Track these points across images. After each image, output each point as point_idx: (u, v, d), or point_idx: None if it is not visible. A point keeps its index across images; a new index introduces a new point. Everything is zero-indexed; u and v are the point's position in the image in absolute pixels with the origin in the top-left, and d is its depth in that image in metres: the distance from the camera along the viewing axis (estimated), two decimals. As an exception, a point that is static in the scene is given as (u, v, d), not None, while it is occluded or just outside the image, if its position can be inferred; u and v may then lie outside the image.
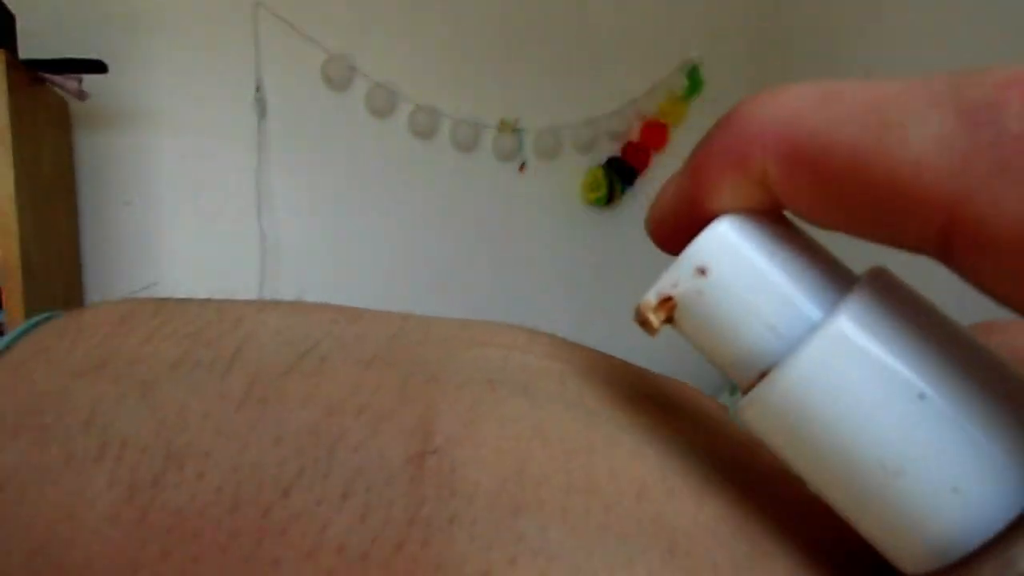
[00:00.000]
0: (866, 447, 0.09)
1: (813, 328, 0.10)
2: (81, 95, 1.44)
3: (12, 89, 1.22)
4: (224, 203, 1.68)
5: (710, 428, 0.13)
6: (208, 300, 0.12)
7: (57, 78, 1.39)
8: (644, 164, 1.98)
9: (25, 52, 1.33)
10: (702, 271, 0.10)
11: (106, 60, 1.42)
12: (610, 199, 1.94)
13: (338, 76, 1.72)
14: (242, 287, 1.66)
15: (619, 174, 1.95)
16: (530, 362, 0.12)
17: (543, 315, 1.84)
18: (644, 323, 0.11)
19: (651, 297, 0.11)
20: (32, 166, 1.30)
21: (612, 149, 1.97)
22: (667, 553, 0.09)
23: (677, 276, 0.10)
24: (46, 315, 0.12)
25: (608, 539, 0.09)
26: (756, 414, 0.10)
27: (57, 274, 1.45)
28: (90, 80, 1.45)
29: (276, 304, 0.12)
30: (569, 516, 0.10)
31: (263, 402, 0.10)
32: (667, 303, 0.11)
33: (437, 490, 0.09)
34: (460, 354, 0.12)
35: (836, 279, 0.11)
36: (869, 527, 0.10)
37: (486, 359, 0.12)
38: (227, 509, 0.09)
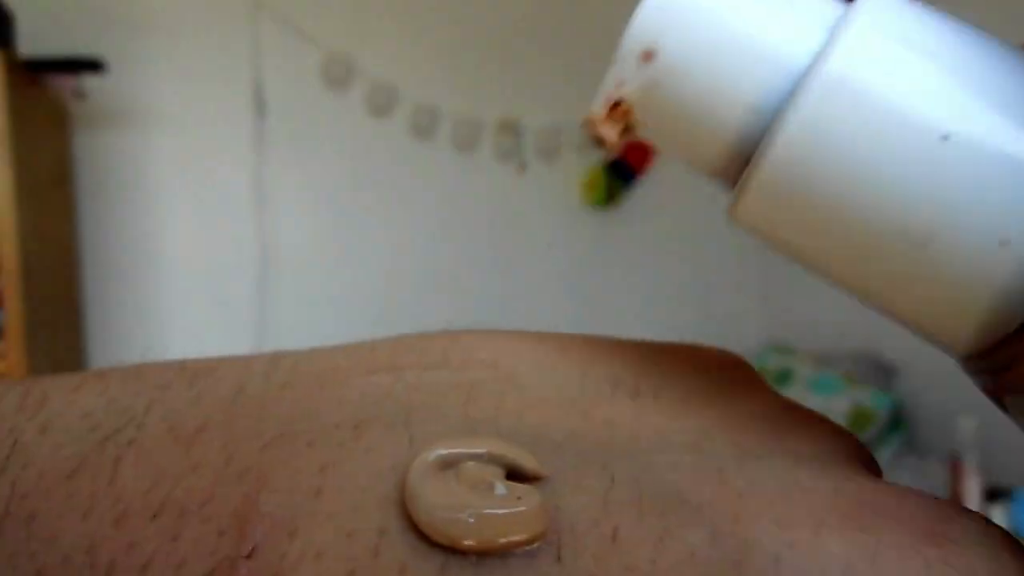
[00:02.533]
0: (888, 212, 0.07)
1: (801, 78, 0.08)
2: (80, 94, 1.44)
3: (10, 88, 1.22)
4: (223, 202, 1.68)
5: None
6: (39, 378, 0.10)
7: (56, 77, 1.39)
8: (644, 164, 1.98)
9: (24, 51, 1.33)
10: (648, 55, 0.08)
11: (105, 60, 1.42)
12: (610, 199, 1.94)
13: (337, 75, 1.72)
14: (241, 286, 1.66)
15: (619, 174, 1.95)
16: (435, 380, 0.10)
17: (542, 315, 1.83)
18: (598, 140, 0.09)
19: (597, 107, 0.09)
20: (30, 166, 1.30)
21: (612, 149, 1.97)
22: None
23: (622, 71, 0.08)
24: None
25: None
26: (752, 206, 0.08)
27: (55, 274, 1.45)
28: (89, 80, 1.45)
29: (106, 376, 0.10)
30: None
31: (31, 520, 0.08)
32: (618, 108, 0.09)
33: None
34: (333, 392, 0.10)
35: (819, 7, 0.09)
36: (904, 309, 0.08)
37: (368, 391, 0.10)
38: None
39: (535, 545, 0.08)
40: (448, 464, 0.08)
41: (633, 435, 0.10)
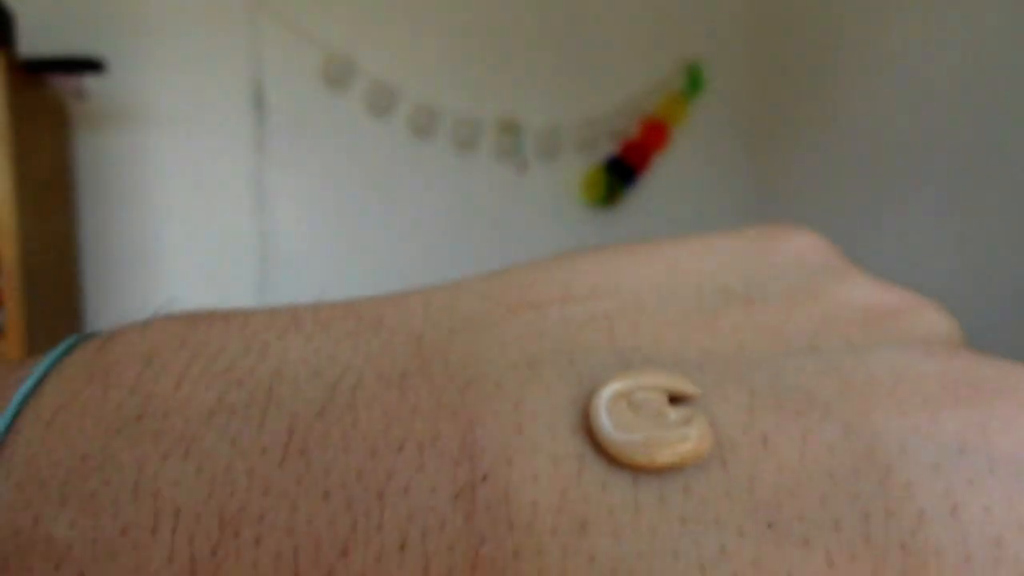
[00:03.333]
0: None
1: None
2: (80, 95, 1.44)
3: (11, 88, 1.22)
4: (223, 202, 1.68)
5: None
6: (229, 318, 0.11)
7: (56, 77, 1.39)
8: (644, 164, 1.98)
9: (24, 51, 1.33)
10: None
11: (106, 60, 1.42)
12: (610, 199, 1.94)
13: (337, 75, 1.72)
14: (241, 286, 1.66)
15: (619, 174, 1.95)
16: (573, 315, 0.11)
17: (543, 315, 1.83)
18: None
19: None
20: (31, 166, 1.30)
21: (612, 149, 1.97)
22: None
23: None
24: (68, 343, 0.11)
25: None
26: None
27: (56, 274, 1.45)
28: (89, 80, 1.45)
29: (296, 321, 0.11)
30: (644, 512, 0.09)
31: (304, 453, 0.09)
32: None
33: (493, 525, 0.09)
34: (492, 335, 0.11)
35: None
36: None
37: (522, 331, 0.11)
38: (289, 575, 0.09)
39: (706, 457, 0.09)
40: (621, 397, 0.10)
41: (756, 341, 0.11)
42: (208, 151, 1.66)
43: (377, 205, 1.79)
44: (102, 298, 1.60)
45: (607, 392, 0.10)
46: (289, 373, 0.10)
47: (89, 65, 1.39)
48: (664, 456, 0.09)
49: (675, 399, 0.10)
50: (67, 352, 0.11)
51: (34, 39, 1.38)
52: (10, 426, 0.10)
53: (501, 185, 1.88)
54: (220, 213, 1.68)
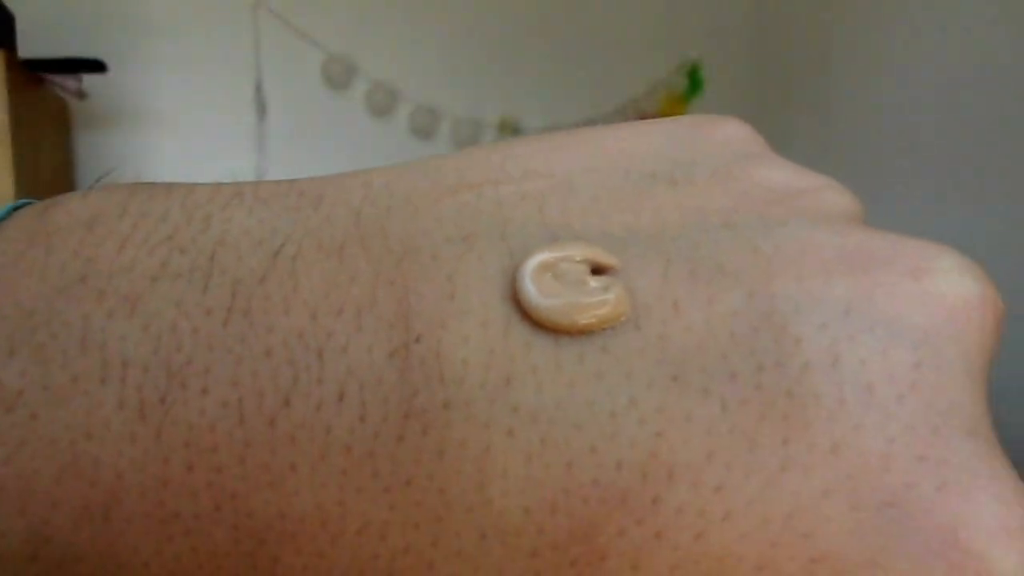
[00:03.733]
0: None
1: None
2: (81, 95, 1.44)
3: (12, 89, 1.22)
4: (224, 203, 1.68)
5: None
6: (171, 189, 0.12)
7: (57, 78, 1.39)
8: (644, 164, 1.98)
9: (25, 52, 1.33)
10: None
11: (106, 60, 1.42)
12: (610, 199, 1.94)
13: (338, 76, 1.72)
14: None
15: (619, 174, 1.95)
16: (507, 194, 0.12)
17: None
18: None
19: None
20: (32, 166, 1.30)
21: (612, 149, 1.97)
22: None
23: None
24: (5, 209, 0.11)
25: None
26: None
27: (57, 274, 1.45)
28: (90, 80, 1.45)
29: (239, 194, 0.12)
30: (564, 369, 0.10)
31: (247, 314, 0.10)
32: None
33: (426, 379, 0.10)
34: (430, 212, 0.12)
35: None
36: None
37: (458, 210, 0.12)
38: (235, 422, 0.09)
39: (622, 320, 0.10)
40: (547, 267, 0.11)
41: (678, 219, 0.12)
42: (208, 151, 1.66)
43: (377, 205, 1.79)
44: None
45: (533, 261, 0.11)
46: (231, 242, 0.11)
47: (89, 65, 1.39)
48: (583, 319, 0.10)
49: (597, 270, 0.11)
50: (4, 218, 0.11)
51: (34, 39, 1.38)
52: None
53: (501, 185, 1.88)
54: (220, 213, 1.68)
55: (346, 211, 0.12)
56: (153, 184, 0.12)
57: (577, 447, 0.10)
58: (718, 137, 0.14)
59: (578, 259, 0.11)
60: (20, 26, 1.33)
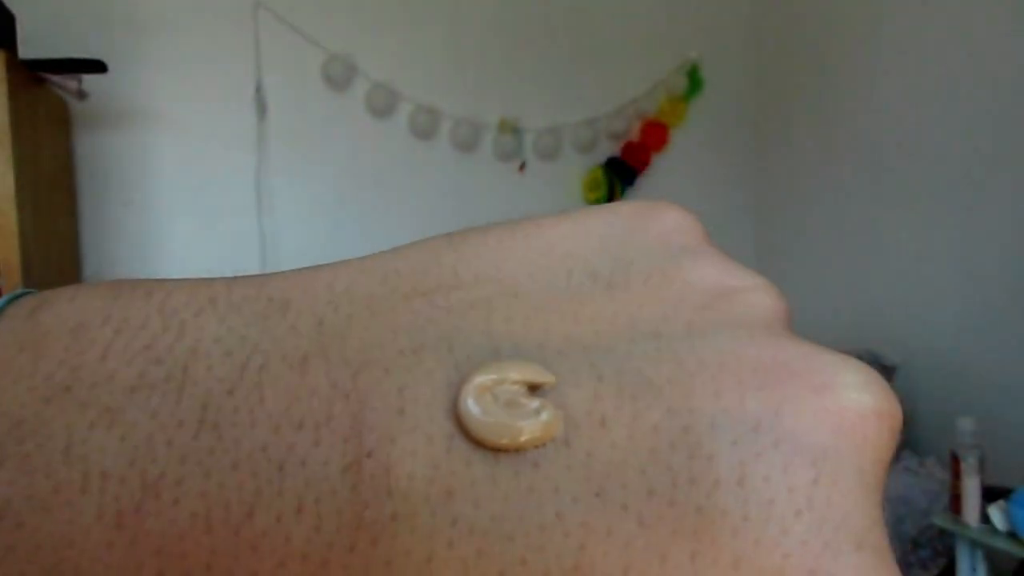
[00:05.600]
0: None
1: None
2: (81, 95, 1.44)
3: (12, 89, 1.22)
4: (224, 203, 1.68)
5: None
6: (151, 293, 0.12)
7: (57, 78, 1.39)
8: (644, 164, 1.98)
9: (25, 52, 1.33)
10: None
11: (106, 60, 1.42)
12: (610, 199, 1.94)
13: (338, 76, 1.72)
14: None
15: (619, 174, 1.95)
16: (457, 302, 0.13)
17: (543, 315, 1.84)
18: None
19: None
20: (32, 166, 1.30)
21: (612, 149, 1.97)
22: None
23: None
24: (7, 297, 0.12)
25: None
26: None
27: (57, 274, 1.45)
28: (90, 80, 1.45)
29: (213, 300, 0.12)
30: (500, 484, 0.11)
31: (216, 427, 0.11)
32: None
33: (375, 493, 0.10)
34: (386, 321, 0.12)
35: None
36: None
37: (411, 319, 0.12)
38: (203, 531, 0.10)
39: (554, 438, 0.11)
40: (486, 388, 0.11)
41: (612, 328, 0.13)
42: (208, 151, 1.66)
43: (378, 206, 1.79)
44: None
45: (473, 383, 0.11)
46: (203, 352, 0.12)
47: (89, 65, 1.39)
48: (518, 439, 0.11)
49: (535, 387, 0.12)
50: (2, 309, 0.12)
51: (35, 40, 1.38)
52: None
53: (501, 185, 1.88)
54: (220, 213, 1.68)
55: (310, 319, 0.12)
56: (135, 286, 0.13)
57: (509, 558, 0.10)
58: (656, 230, 0.15)
59: (515, 379, 0.11)
60: (20, 26, 1.33)
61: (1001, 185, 1.51)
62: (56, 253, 1.45)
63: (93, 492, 0.10)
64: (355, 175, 1.76)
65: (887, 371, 1.60)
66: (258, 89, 1.67)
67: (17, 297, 0.13)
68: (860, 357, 0.12)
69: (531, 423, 0.11)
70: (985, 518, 1.23)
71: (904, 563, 1.45)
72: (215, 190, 1.67)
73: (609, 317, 0.13)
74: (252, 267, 1.68)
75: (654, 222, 0.15)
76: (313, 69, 1.71)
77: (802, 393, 0.11)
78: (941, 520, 1.30)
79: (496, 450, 0.11)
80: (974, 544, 1.26)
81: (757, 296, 0.13)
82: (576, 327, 0.13)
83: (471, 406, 0.11)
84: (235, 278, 0.13)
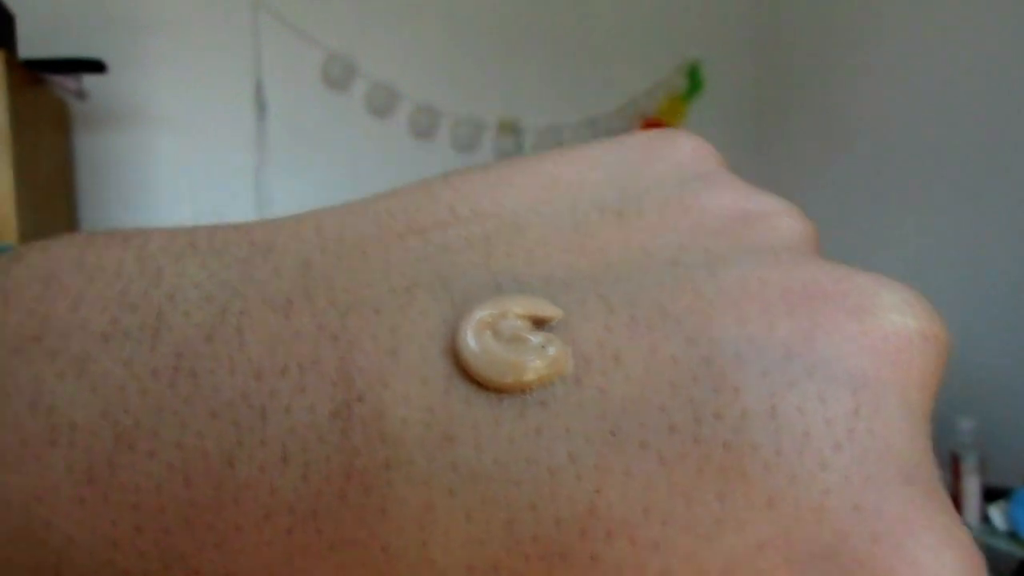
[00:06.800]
0: None
1: None
2: (81, 95, 1.44)
3: (12, 89, 1.22)
4: (224, 203, 1.68)
5: None
6: (128, 239, 0.12)
7: (57, 78, 1.39)
8: (644, 164, 1.98)
9: (25, 52, 1.33)
10: None
11: (106, 60, 1.42)
12: (610, 199, 1.94)
13: (338, 76, 1.72)
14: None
15: (619, 174, 1.95)
16: (454, 239, 0.12)
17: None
18: None
19: None
20: (31, 166, 1.30)
21: (612, 149, 1.97)
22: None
23: None
24: None
25: None
26: None
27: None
28: (90, 80, 1.45)
29: (193, 244, 0.12)
30: (504, 426, 0.10)
31: (193, 375, 0.10)
32: None
33: (366, 440, 0.10)
34: (376, 258, 0.12)
35: None
36: None
37: (404, 256, 0.12)
38: (182, 484, 0.10)
39: (563, 375, 0.10)
40: (487, 324, 0.10)
41: (623, 258, 0.12)
42: (208, 151, 1.66)
43: (377, 205, 1.79)
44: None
45: (472, 319, 0.10)
46: (180, 297, 0.11)
47: (89, 65, 1.39)
48: (523, 376, 0.10)
49: (540, 321, 0.11)
50: None
51: (35, 39, 1.38)
52: None
53: (501, 185, 1.88)
54: (220, 213, 1.68)
55: (294, 261, 0.12)
56: (112, 234, 0.12)
57: (517, 505, 0.10)
58: (670, 158, 0.14)
59: (518, 313, 0.11)
60: (20, 26, 1.33)
61: (1002, 186, 1.51)
62: (56, 253, 1.45)
63: (62, 445, 0.10)
64: (355, 175, 1.76)
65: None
66: (258, 89, 1.67)
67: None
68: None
69: (537, 359, 0.10)
70: (985, 518, 1.23)
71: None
72: (215, 190, 1.67)
73: (619, 247, 0.12)
74: (252, 267, 1.68)
75: (667, 151, 0.14)
76: (313, 69, 1.71)
77: (837, 316, 0.11)
78: (941, 520, 1.30)
79: (499, 390, 0.10)
80: (974, 544, 1.26)
81: (781, 220, 0.13)
82: (583, 259, 0.12)
83: (470, 343, 0.10)
84: (218, 224, 0.12)
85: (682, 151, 0.14)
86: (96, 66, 1.40)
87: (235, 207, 1.68)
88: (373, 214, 0.12)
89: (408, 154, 1.80)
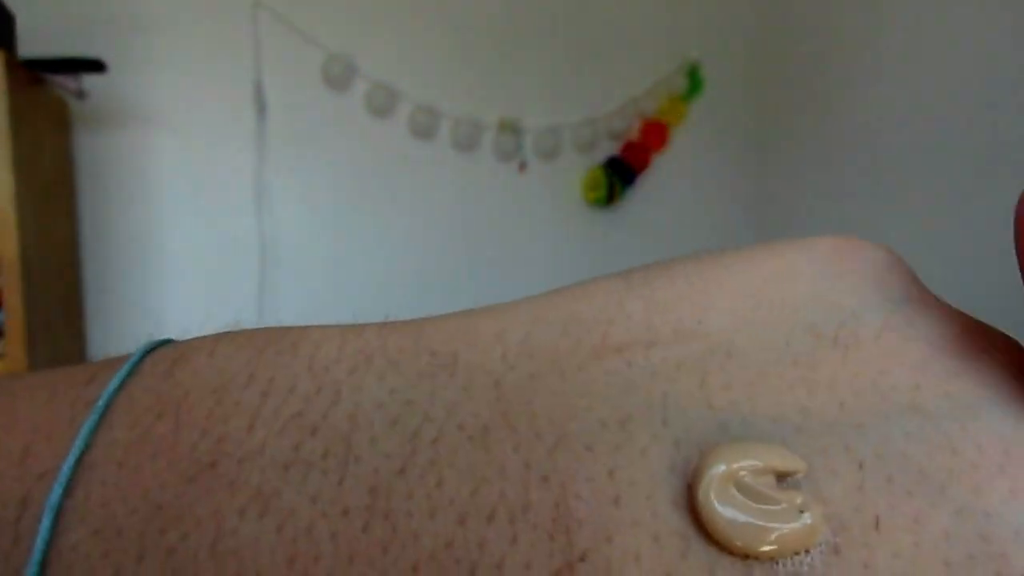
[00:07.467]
0: None
1: None
2: (80, 95, 1.44)
3: (12, 89, 1.22)
4: (224, 203, 1.68)
5: None
6: (297, 348, 0.11)
7: (57, 78, 1.39)
8: (644, 164, 1.98)
9: (25, 52, 1.33)
10: None
11: (106, 60, 1.42)
12: (610, 199, 1.94)
13: (338, 76, 1.72)
14: (242, 286, 1.66)
15: (619, 174, 1.95)
16: (660, 362, 0.11)
17: (543, 315, 1.83)
18: None
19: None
20: (32, 166, 1.30)
21: (612, 149, 1.97)
22: None
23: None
24: (135, 358, 0.11)
25: None
26: None
27: (56, 274, 1.45)
28: (90, 80, 1.45)
29: (367, 356, 0.11)
30: None
31: (388, 517, 0.09)
32: None
33: None
34: (577, 385, 0.10)
35: None
36: None
37: (608, 381, 0.10)
38: None
39: (816, 545, 0.09)
40: (728, 478, 0.09)
41: (856, 402, 0.10)
42: (208, 151, 1.66)
43: (378, 206, 1.79)
44: (102, 298, 1.60)
45: (712, 472, 0.09)
46: (364, 420, 0.10)
47: (89, 65, 1.39)
48: (776, 544, 0.09)
49: (781, 476, 0.10)
50: (136, 366, 0.11)
51: (34, 39, 1.38)
52: (79, 459, 0.09)
53: (502, 185, 1.88)
54: (220, 213, 1.68)
55: (485, 379, 0.10)
56: (279, 337, 0.11)
57: None
58: (867, 273, 0.12)
59: (758, 466, 0.09)
60: (20, 26, 1.33)
61: (1001, 186, 1.51)
62: (55, 253, 1.45)
63: None
64: (355, 175, 1.76)
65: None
66: (258, 89, 1.67)
67: (154, 348, 0.11)
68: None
69: (792, 524, 0.09)
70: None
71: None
72: (214, 189, 1.67)
73: (850, 382, 0.11)
74: (252, 266, 1.68)
75: (861, 263, 0.12)
76: (313, 69, 1.71)
77: None
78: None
79: (746, 556, 0.09)
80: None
81: (1011, 356, 0.11)
82: (813, 397, 0.10)
83: (714, 502, 0.09)
84: (384, 324, 0.11)
85: (877, 264, 0.12)
86: (96, 66, 1.40)
87: (235, 207, 1.68)
88: (560, 324, 0.11)
89: (408, 154, 1.80)
